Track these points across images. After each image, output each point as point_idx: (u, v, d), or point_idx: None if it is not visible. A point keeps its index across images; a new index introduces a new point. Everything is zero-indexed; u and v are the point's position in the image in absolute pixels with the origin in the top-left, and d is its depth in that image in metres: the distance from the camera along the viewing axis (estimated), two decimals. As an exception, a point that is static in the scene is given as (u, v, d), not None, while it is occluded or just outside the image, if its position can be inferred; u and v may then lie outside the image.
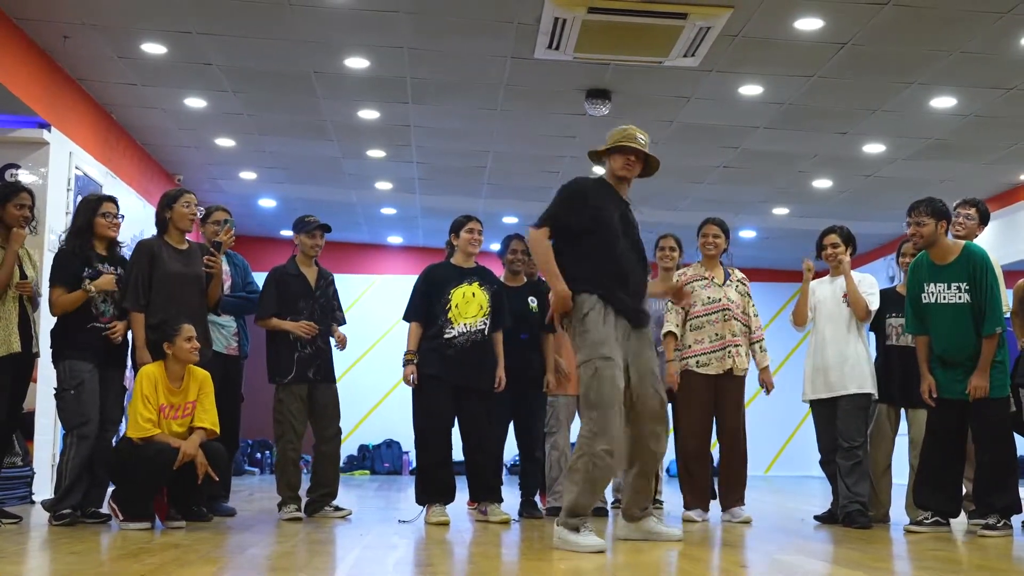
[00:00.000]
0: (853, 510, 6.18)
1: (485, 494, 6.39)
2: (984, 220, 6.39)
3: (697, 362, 6.59)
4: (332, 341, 6.73)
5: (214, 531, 5.50)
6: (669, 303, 6.66)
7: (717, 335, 6.57)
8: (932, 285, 5.87)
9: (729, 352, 6.56)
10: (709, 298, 6.63)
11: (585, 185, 5.13)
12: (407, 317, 6.43)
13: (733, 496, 6.61)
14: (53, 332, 5.94)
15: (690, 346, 6.62)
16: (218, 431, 5.82)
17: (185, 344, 5.70)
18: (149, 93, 9.12)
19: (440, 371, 6.21)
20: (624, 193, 5.20)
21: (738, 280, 6.79)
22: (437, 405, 6.22)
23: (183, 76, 8.68)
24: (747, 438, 6.70)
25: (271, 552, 4.60)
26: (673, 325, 6.65)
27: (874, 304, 6.45)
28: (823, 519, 6.52)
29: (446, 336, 6.25)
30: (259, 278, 6.86)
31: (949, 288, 5.81)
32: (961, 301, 5.77)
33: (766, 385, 6.74)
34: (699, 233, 6.82)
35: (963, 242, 5.95)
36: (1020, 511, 5.84)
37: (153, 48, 8.01)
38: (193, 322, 5.87)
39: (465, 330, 6.29)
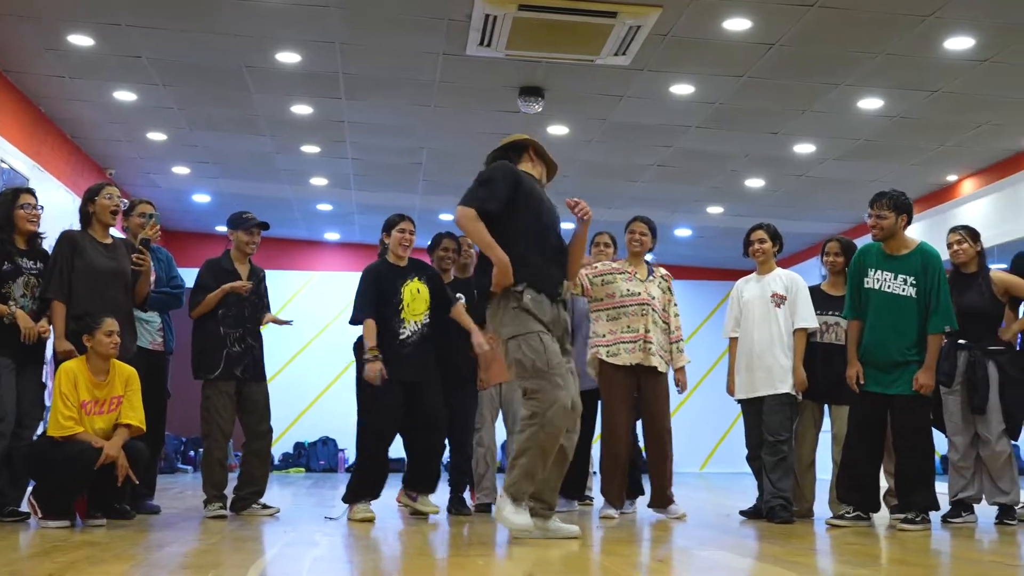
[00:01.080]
0: (776, 505, 6.26)
1: (424, 484, 6.43)
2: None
3: (608, 352, 6.62)
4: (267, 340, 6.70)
5: (135, 529, 5.44)
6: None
7: (630, 327, 6.60)
8: (879, 272, 5.96)
9: (642, 346, 6.59)
10: (629, 291, 6.67)
11: (515, 169, 5.15)
12: (360, 316, 6.30)
13: (662, 497, 6.66)
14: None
15: (604, 336, 6.66)
16: (144, 429, 5.76)
17: (105, 338, 5.63)
18: (78, 86, 8.98)
19: (396, 372, 6.19)
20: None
21: (661, 277, 6.83)
22: (388, 405, 6.19)
23: (112, 69, 8.55)
24: (681, 435, 6.77)
25: (188, 550, 4.55)
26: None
27: (812, 324, 6.54)
28: (748, 514, 6.60)
29: (401, 336, 6.26)
30: (191, 274, 6.75)
31: (896, 278, 5.91)
32: (905, 293, 5.87)
33: (680, 384, 6.77)
34: (626, 230, 6.87)
35: (919, 240, 6.07)
36: (938, 507, 5.96)
37: (80, 40, 7.88)
38: (117, 317, 5.79)
39: (416, 328, 6.32)
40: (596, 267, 6.81)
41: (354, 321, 6.35)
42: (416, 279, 6.42)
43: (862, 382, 6.01)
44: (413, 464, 6.47)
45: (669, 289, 6.82)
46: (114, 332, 5.66)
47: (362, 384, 6.31)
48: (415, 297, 6.36)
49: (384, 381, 6.12)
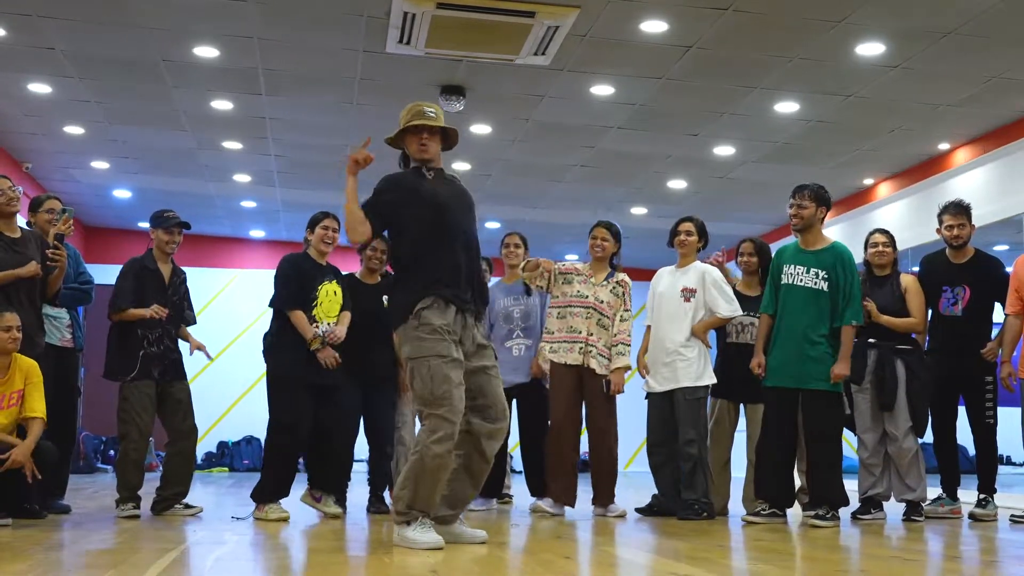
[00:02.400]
0: (690, 502, 6.34)
1: (330, 485, 6.40)
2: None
3: (550, 348, 6.75)
4: (187, 346, 6.61)
5: (41, 528, 5.36)
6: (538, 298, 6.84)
7: (572, 328, 6.67)
8: (792, 267, 6.08)
9: (583, 348, 6.65)
10: (579, 293, 6.75)
11: (390, 182, 4.83)
12: (286, 305, 6.22)
13: (603, 495, 6.70)
14: None
15: (552, 332, 6.77)
16: (45, 420, 5.66)
17: (3, 334, 5.53)
18: (-10, 77, 8.81)
19: (303, 371, 6.16)
20: (435, 169, 4.87)
21: (617, 283, 6.82)
22: (297, 404, 6.15)
23: (24, 60, 8.37)
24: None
25: (91, 549, 4.49)
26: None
27: (733, 312, 6.59)
28: (644, 511, 6.66)
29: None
30: (114, 270, 6.62)
31: (808, 272, 6.03)
32: (817, 287, 6.00)
33: (613, 385, 6.70)
34: (589, 235, 6.92)
35: (833, 239, 6.22)
36: (847, 503, 6.08)
37: (-10, 31, 7.73)
38: (23, 312, 5.71)
39: (329, 329, 6.28)
40: (563, 264, 6.93)
41: (277, 307, 6.28)
42: (334, 282, 6.42)
43: (762, 374, 6.13)
44: (316, 466, 6.44)
45: (624, 295, 6.82)
46: (12, 327, 5.57)
47: (274, 382, 6.28)
48: (331, 299, 6.34)
49: (294, 382, 6.11)
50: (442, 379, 4.49)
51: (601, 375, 6.68)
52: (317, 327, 6.23)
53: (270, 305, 6.34)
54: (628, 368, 6.74)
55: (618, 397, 6.75)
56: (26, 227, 6.31)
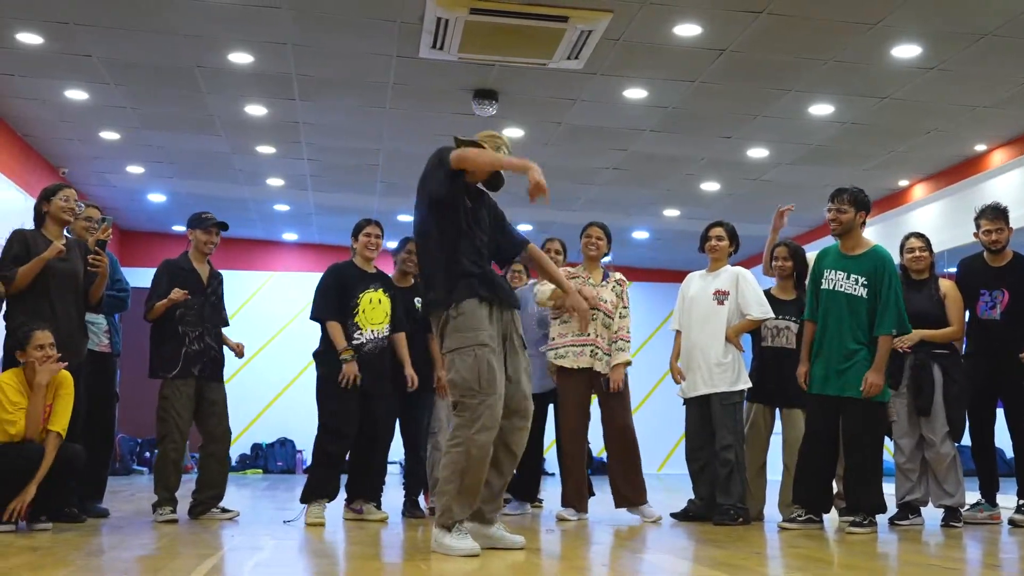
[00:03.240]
0: (726, 507, 6.31)
1: (369, 494, 6.47)
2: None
3: (555, 354, 6.70)
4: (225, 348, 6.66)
5: (80, 533, 5.41)
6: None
7: (578, 331, 6.62)
8: (833, 272, 6.02)
9: (591, 351, 6.62)
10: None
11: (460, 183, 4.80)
12: (323, 315, 6.34)
13: (636, 493, 6.66)
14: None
15: (555, 339, 6.74)
16: (64, 435, 5.70)
17: (36, 352, 5.57)
18: (28, 84, 8.89)
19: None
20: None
21: (616, 281, 6.85)
22: (346, 409, 6.24)
23: (62, 67, 8.47)
24: (639, 437, 6.76)
25: (131, 556, 4.52)
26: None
27: (765, 314, 6.55)
28: (679, 516, 6.63)
29: (355, 341, 6.29)
30: (148, 274, 6.69)
31: (848, 278, 5.96)
32: (857, 294, 5.92)
33: (612, 382, 6.60)
34: (582, 235, 6.90)
35: (874, 242, 6.13)
36: (885, 510, 6.03)
37: (28, 38, 7.80)
38: (67, 318, 5.78)
39: (373, 336, 6.35)
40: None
41: (315, 317, 6.38)
42: (380, 290, 6.46)
43: (806, 384, 6.08)
44: (356, 473, 6.50)
45: (623, 294, 6.82)
46: (45, 345, 5.61)
47: (323, 385, 6.34)
48: (374, 306, 6.37)
49: (344, 386, 6.19)
50: (487, 367, 4.48)
51: (603, 373, 6.65)
52: (361, 335, 6.27)
53: (311, 317, 6.41)
54: (628, 364, 6.71)
55: (652, 401, 6.71)
56: (67, 235, 6.37)
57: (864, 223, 6.11)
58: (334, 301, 6.33)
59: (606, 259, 7.03)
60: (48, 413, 5.65)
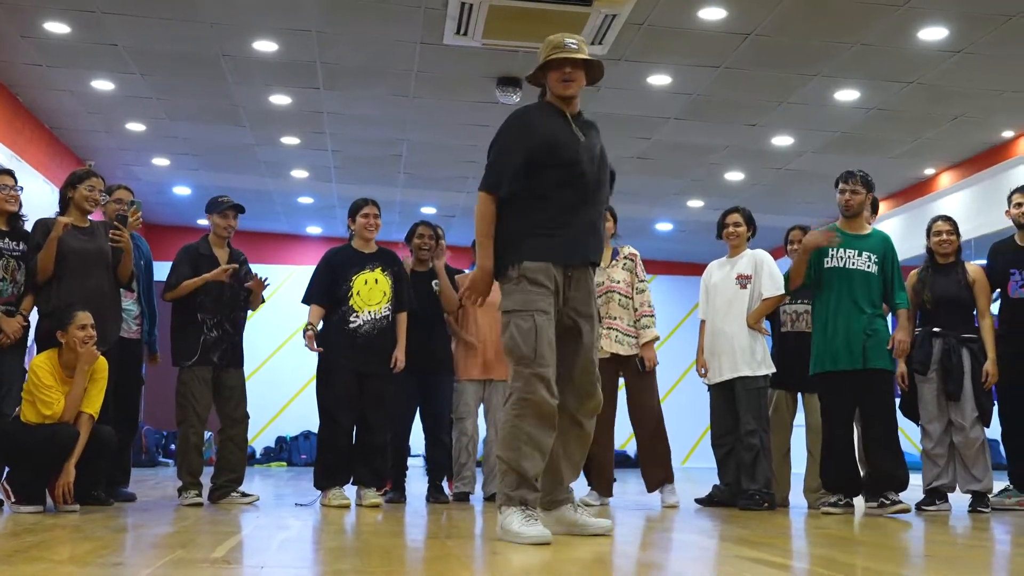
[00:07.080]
0: (751, 492, 6.28)
1: (368, 478, 6.37)
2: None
3: None
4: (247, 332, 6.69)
5: (108, 514, 5.43)
6: None
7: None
8: (841, 251, 6.04)
9: (614, 337, 6.58)
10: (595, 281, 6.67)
11: (529, 114, 4.36)
12: (307, 299, 6.43)
13: (659, 474, 6.65)
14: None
15: None
16: (96, 418, 5.74)
17: (79, 332, 5.61)
18: (55, 74, 8.96)
19: (347, 358, 6.23)
20: (573, 114, 4.40)
21: (625, 258, 6.78)
22: (343, 391, 6.24)
23: (89, 57, 8.53)
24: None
25: (159, 532, 4.55)
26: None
27: (777, 290, 6.52)
28: (703, 502, 6.60)
29: (351, 325, 6.27)
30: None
31: (860, 255, 6.06)
32: (870, 270, 6.02)
33: (646, 360, 6.61)
34: None
35: (872, 225, 6.24)
36: (907, 485, 6.00)
37: (56, 27, 7.87)
38: (101, 298, 5.82)
39: (370, 318, 6.31)
40: None
41: (304, 300, 6.45)
42: (378, 269, 6.41)
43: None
44: (352, 457, 6.38)
45: (635, 269, 6.76)
46: (87, 325, 5.65)
47: (319, 371, 6.38)
48: (371, 288, 6.34)
49: (339, 369, 6.21)
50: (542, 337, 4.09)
51: (630, 355, 6.61)
52: (357, 317, 6.27)
53: (302, 301, 6.47)
54: (657, 339, 6.67)
55: (676, 394, 6.67)
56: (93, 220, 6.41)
57: (869, 206, 6.28)
58: (318, 286, 6.39)
59: (615, 241, 6.91)
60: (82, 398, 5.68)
